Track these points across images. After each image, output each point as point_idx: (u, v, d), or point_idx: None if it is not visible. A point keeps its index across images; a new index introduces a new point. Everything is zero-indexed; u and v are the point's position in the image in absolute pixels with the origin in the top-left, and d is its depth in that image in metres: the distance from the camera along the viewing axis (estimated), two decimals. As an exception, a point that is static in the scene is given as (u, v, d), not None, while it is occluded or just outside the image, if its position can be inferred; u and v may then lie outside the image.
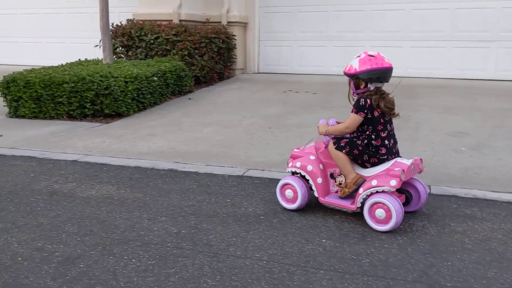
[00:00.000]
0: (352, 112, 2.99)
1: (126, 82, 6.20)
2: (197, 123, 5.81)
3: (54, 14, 10.68)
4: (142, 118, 6.20)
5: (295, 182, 3.13)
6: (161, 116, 6.26)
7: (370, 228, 2.86)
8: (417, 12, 8.17)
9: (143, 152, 4.66)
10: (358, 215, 3.02)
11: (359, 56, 3.00)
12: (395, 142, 3.07)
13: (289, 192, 3.15)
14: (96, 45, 8.15)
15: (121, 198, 3.43)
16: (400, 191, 3.00)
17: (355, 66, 2.97)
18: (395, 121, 3.10)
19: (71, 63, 7.34)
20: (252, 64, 9.37)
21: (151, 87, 6.68)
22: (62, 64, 7.34)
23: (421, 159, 3.08)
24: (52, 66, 7.10)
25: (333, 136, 3.11)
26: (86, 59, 7.80)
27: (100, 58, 8.08)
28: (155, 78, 6.75)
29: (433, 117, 5.65)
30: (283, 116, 6.05)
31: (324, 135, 3.15)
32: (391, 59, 3.05)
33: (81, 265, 2.47)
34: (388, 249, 2.61)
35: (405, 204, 3.03)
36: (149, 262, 2.50)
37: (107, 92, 6.04)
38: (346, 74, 3.05)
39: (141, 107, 6.58)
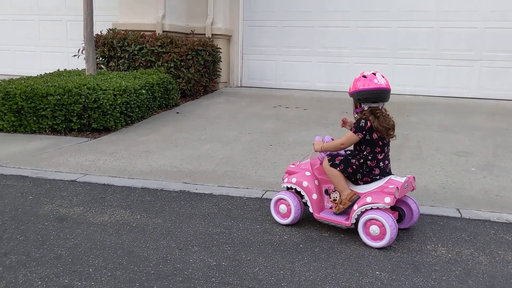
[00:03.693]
0: (351, 130, 3.00)
1: (115, 95, 5.89)
2: (193, 139, 5.56)
3: (24, 21, 10.12)
4: (132, 133, 5.89)
5: (289, 197, 3.13)
6: (151, 131, 5.97)
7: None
8: (402, 30, 8.23)
9: (144, 171, 4.38)
10: (352, 231, 3.01)
11: (358, 76, 3.03)
12: (389, 162, 3.09)
13: (283, 207, 3.15)
14: (75, 55, 7.76)
15: (140, 225, 3.16)
16: (393, 208, 3.02)
17: (351, 86, 3.03)
18: (395, 140, 3.06)
19: (51, 74, 6.94)
20: (235, 77, 9.18)
21: (139, 101, 6.38)
22: (41, 74, 6.92)
23: (413, 177, 3.10)
24: (32, 76, 6.68)
25: (328, 153, 3.12)
26: (65, 69, 7.39)
27: (78, 69, 7.70)
28: (144, 91, 6.46)
29: (433, 136, 5.64)
30: (280, 132, 5.88)
31: (319, 151, 3.15)
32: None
33: (123, 307, 2.21)
34: (448, 281, 2.48)
35: (398, 221, 3.04)
36: (199, 301, 2.26)
37: (96, 105, 5.70)
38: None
39: (129, 121, 6.27)
